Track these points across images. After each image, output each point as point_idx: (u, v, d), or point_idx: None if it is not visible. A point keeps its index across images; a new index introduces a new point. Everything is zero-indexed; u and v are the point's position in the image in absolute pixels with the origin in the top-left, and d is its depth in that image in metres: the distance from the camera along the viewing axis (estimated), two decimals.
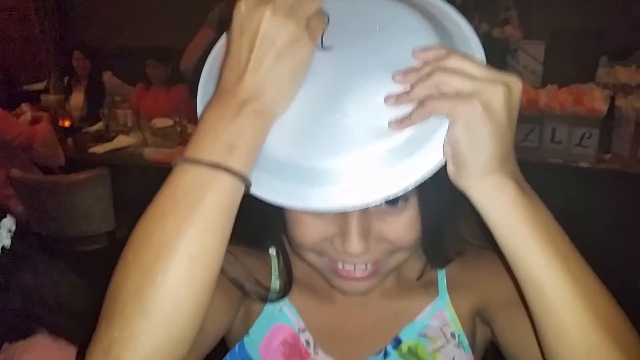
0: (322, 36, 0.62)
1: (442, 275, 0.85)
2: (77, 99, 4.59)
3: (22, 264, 1.08)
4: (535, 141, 3.01)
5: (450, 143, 0.56)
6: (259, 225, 0.80)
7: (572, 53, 3.27)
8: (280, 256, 0.83)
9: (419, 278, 0.85)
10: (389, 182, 0.58)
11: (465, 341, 0.82)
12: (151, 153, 3.42)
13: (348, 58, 0.62)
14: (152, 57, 4.06)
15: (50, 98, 4.66)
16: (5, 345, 1.09)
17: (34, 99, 4.62)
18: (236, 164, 0.55)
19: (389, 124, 0.58)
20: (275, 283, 0.85)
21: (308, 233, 0.70)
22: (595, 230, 2.61)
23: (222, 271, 0.75)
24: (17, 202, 3.09)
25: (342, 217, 0.67)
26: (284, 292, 0.83)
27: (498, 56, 3.42)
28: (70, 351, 1.09)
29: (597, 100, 2.90)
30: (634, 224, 2.69)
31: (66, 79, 4.75)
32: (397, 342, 0.82)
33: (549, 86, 3.11)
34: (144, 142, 3.60)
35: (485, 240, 0.84)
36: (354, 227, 0.66)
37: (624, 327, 0.59)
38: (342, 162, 0.59)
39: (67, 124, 3.96)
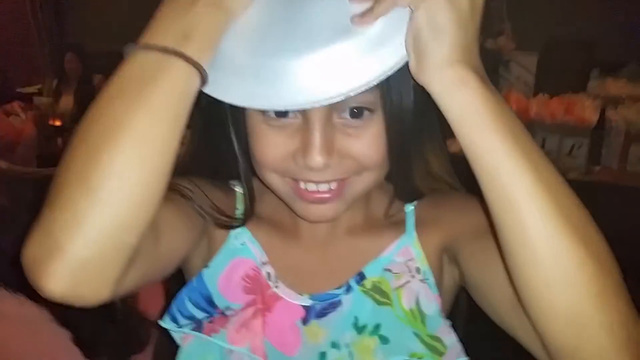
0: None
1: (410, 213, 0.83)
2: (67, 101, 4.58)
3: None
4: None
5: (412, 32, 0.56)
6: (224, 156, 0.78)
7: (564, 65, 3.29)
8: (244, 182, 0.81)
9: (386, 215, 0.84)
10: (353, 79, 0.58)
11: (432, 279, 0.79)
12: None
13: None
14: None
15: (42, 100, 4.67)
16: None
17: (27, 100, 4.62)
18: (190, 51, 0.55)
19: (351, 20, 0.58)
20: (239, 215, 0.83)
21: (270, 148, 0.69)
22: None
23: (185, 197, 0.75)
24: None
25: (304, 129, 0.66)
26: (247, 216, 0.82)
27: (491, 67, 3.44)
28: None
29: (587, 110, 2.92)
30: (621, 236, 2.68)
31: (55, 81, 4.76)
32: (361, 277, 0.79)
33: (540, 95, 3.13)
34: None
35: (454, 175, 0.83)
36: (316, 139, 0.64)
37: (587, 222, 0.57)
38: (304, 61, 0.58)
39: (57, 123, 3.97)
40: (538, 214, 0.54)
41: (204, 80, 0.57)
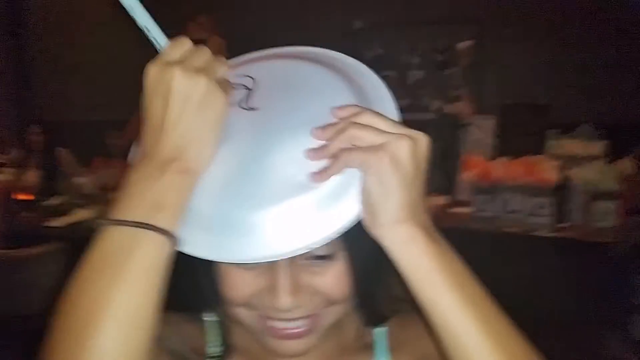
0: (250, 97, 0.67)
1: (380, 336, 0.84)
2: (32, 174, 4.51)
3: None
4: (491, 211, 3.09)
5: (364, 193, 0.60)
6: (190, 289, 0.77)
7: (521, 126, 3.41)
8: (218, 320, 0.81)
9: (358, 338, 0.84)
10: (313, 232, 0.61)
11: None
12: None
13: (272, 116, 0.67)
14: (113, 129, 4.05)
15: (5, 173, 4.58)
16: None
17: None
18: (162, 222, 0.57)
19: (310, 177, 0.61)
20: (212, 350, 0.82)
21: (237, 288, 0.69)
22: (553, 298, 2.65)
23: (157, 341, 0.73)
24: None
25: (270, 271, 0.67)
26: (224, 355, 0.81)
27: (450, 131, 3.56)
28: None
29: (547, 171, 3.01)
30: (591, 291, 2.73)
31: (18, 155, 4.69)
32: None
33: (501, 158, 3.22)
34: (104, 215, 3.52)
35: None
36: (282, 280, 0.66)
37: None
38: (267, 215, 0.61)
39: (23, 196, 3.89)
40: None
41: (175, 245, 0.59)
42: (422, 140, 0.60)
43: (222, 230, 0.62)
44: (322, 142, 0.62)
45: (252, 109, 0.67)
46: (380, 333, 0.85)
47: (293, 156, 0.63)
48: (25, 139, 4.63)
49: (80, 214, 3.63)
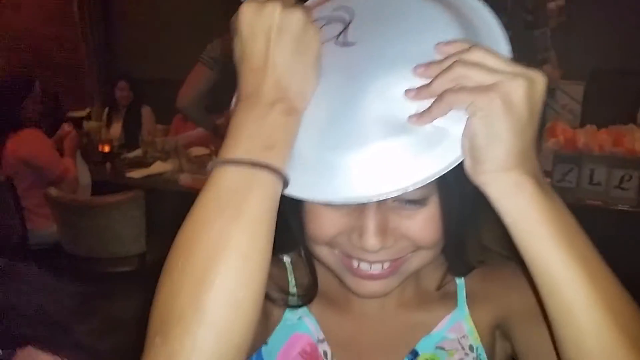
0: (347, 31, 0.64)
1: (461, 286, 0.83)
2: (116, 128, 4.71)
3: None
4: (573, 182, 2.95)
5: (468, 137, 0.56)
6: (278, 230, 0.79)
7: (611, 94, 3.24)
8: (305, 259, 0.81)
9: (438, 288, 0.83)
10: (406, 176, 0.58)
11: (484, 354, 0.79)
12: (186, 179, 3.46)
13: (370, 51, 0.63)
14: None
15: (92, 124, 4.81)
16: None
17: (76, 125, 4.76)
18: (275, 161, 0.56)
19: (408, 118, 0.58)
20: (294, 290, 0.83)
21: (324, 225, 0.68)
22: (634, 275, 2.53)
23: None
24: (52, 222, 3.17)
25: (359, 211, 0.66)
26: (311, 296, 0.81)
27: None
28: None
29: (637, 142, 2.85)
30: None
31: (106, 109, 4.89)
32: (414, 355, 0.79)
33: (588, 126, 3.07)
34: (180, 169, 3.65)
35: (510, 250, 0.81)
36: (370, 221, 0.64)
37: (637, 321, 0.57)
38: (361, 156, 0.59)
39: (106, 149, 4.08)
40: (595, 325, 0.55)
41: (286, 183, 0.58)
42: (540, 81, 0.54)
43: (317, 171, 0.60)
44: (424, 81, 0.58)
45: (348, 44, 0.63)
46: (461, 284, 0.83)
47: (391, 95, 0.59)
48: (111, 94, 4.83)
49: (159, 167, 3.76)
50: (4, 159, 3.18)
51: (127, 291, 2.86)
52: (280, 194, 0.57)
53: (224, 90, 2.75)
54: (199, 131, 3.81)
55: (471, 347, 0.79)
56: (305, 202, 0.69)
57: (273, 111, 0.57)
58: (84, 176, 3.58)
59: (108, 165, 3.96)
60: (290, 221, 0.73)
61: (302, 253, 0.79)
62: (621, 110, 3.19)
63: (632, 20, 3.76)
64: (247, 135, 0.57)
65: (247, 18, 0.58)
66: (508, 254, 0.81)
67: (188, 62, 2.89)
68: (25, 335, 1.00)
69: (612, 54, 3.65)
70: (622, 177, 2.84)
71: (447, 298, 0.82)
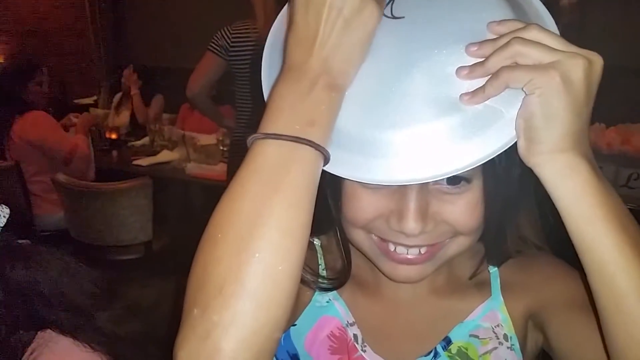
0: (392, 5, 0.61)
1: (495, 275, 0.82)
2: (125, 115, 4.71)
3: (11, 257, 1.04)
4: None
5: (524, 116, 0.55)
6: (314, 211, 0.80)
7: (620, 92, 3.22)
8: (340, 240, 0.79)
9: (471, 277, 0.82)
10: (455, 158, 0.57)
11: (517, 344, 0.78)
12: (193, 168, 3.47)
13: (417, 28, 0.61)
14: None
15: (98, 112, 4.82)
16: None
17: (82, 112, 4.76)
18: (316, 137, 0.55)
19: (460, 97, 0.57)
20: (323, 273, 0.83)
21: (363, 208, 0.68)
22: None
23: None
24: (59, 207, 3.17)
25: (399, 193, 0.65)
26: (343, 280, 0.80)
27: None
28: (75, 349, 1.04)
29: None
30: None
31: (118, 95, 4.89)
32: (447, 342, 0.79)
33: (596, 124, 3.06)
34: (187, 158, 3.66)
35: (544, 241, 0.81)
36: (412, 204, 0.64)
37: None
38: (407, 135, 0.57)
39: (113, 136, 4.09)
40: None
41: (327, 160, 0.57)
42: (598, 61, 0.54)
43: (360, 150, 0.59)
44: (476, 60, 0.57)
45: (397, 17, 0.61)
46: (496, 273, 0.82)
47: (440, 74, 0.58)
48: (119, 81, 4.82)
49: (166, 155, 3.77)
50: (11, 143, 3.19)
51: (135, 278, 2.89)
52: (320, 171, 0.57)
53: (230, 81, 2.74)
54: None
55: (505, 336, 0.78)
56: (344, 183, 0.68)
57: (316, 86, 0.55)
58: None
59: (115, 152, 3.97)
60: (327, 202, 0.72)
61: (338, 235, 0.77)
62: (630, 109, 3.18)
63: None
64: (289, 109, 0.56)
65: None
66: (544, 245, 0.81)
67: (197, 51, 2.88)
68: (46, 318, 1.01)
69: (621, 52, 3.64)
70: (630, 176, 2.83)
71: (481, 286, 0.82)
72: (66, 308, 1.02)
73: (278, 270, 0.52)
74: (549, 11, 0.66)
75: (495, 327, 0.79)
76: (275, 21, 0.71)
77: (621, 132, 2.95)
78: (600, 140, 2.93)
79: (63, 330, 0.99)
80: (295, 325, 0.81)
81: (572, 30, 3.46)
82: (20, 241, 1.01)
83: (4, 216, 0.99)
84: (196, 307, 0.52)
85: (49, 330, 0.96)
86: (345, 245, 0.78)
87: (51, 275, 1.03)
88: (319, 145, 0.55)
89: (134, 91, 4.46)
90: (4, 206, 1.00)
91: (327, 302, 0.82)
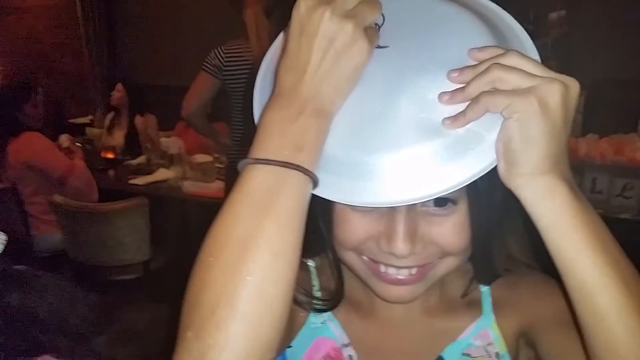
0: (379, 34, 0.63)
1: (486, 294, 0.83)
2: (119, 135, 4.71)
3: (8, 283, 1.04)
4: None
5: (504, 140, 0.56)
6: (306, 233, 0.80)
7: (613, 103, 3.25)
8: (332, 263, 0.81)
9: (463, 296, 0.83)
10: (439, 180, 0.58)
11: None
12: (190, 186, 3.47)
13: (402, 55, 0.63)
14: None
15: (94, 131, 4.83)
16: None
17: (78, 131, 4.77)
18: (305, 162, 0.56)
19: (442, 122, 0.58)
20: (317, 294, 0.84)
21: (353, 230, 0.69)
22: None
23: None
24: (57, 228, 3.17)
25: (388, 216, 0.66)
26: (337, 301, 0.81)
27: None
28: None
29: (639, 151, 2.86)
30: None
31: (109, 115, 4.89)
32: None
33: (590, 135, 3.08)
34: (183, 176, 3.66)
35: (533, 259, 0.82)
36: (400, 226, 0.65)
37: None
38: (393, 158, 0.59)
39: (110, 155, 4.09)
40: (629, 331, 0.56)
41: (315, 184, 0.58)
42: (574, 86, 0.56)
43: (347, 173, 0.60)
44: (458, 86, 0.58)
45: (381, 47, 0.63)
46: (486, 292, 0.83)
47: (424, 99, 0.59)
48: (111, 98, 4.82)
49: (163, 174, 3.77)
50: (7, 164, 3.19)
51: (133, 299, 2.88)
52: (310, 195, 0.58)
53: (224, 98, 2.75)
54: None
55: (497, 355, 0.79)
56: (335, 206, 0.69)
57: (304, 112, 0.57)
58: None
59: (111, 172, 3.97)
60: (319, 225, 0.73)
61: (330, 257, 0.79)
62: (623, 120, 3.21)
63: (634, 30, 3.78)
64: (278, 134, 0.57)
65: (300, 15, 0.58)
66: (533, 263, 0.82)
67: (192, 69, 2.90)
68: (44, 343, 1.01)
69: (613, 63, 3.67)
70: (624, 186, 2.85)
71: (472, 305, 0.83)
72: (63, 333, 1.03)
73: (270, 292, 0.53)
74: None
75: (487, 345, 0.80)
76: (270, 48, 0.72)
77: (614, 143, 2.98)
78: (593, 151, 2.96)
79: (60, 355, 1.00)
80: (291, 347, 0.82)
81: (563, 44, 3.50)
82: (16, 267, 1.02)
83: (2, 243, 1.00)
84: (190, 330, 0.53)
85: (46, 356, 0.97)
86: (338, 266, 0.80)
87: (48, 300, 1.03)
88: (307, 169, 0.56)
89: (124, 112, 4.48)
90: (1, 233, 1.01)
91: (322, 323, 0.83)
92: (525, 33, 0.66)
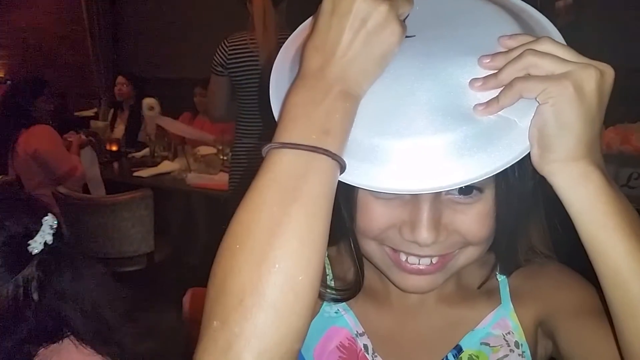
0: (405, 23, 0.62)
1: (504, 283, 0.82)
2: (120, 129, 4.72)
3: (63, 264, 1.07)
4: None
5: (538, 125, 0.56)
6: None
7: (619, 92, 3.20)
8: (353, 253, 0.78)
9: (480, 286, 0.82)
10: (467, 168, 0.57)
11: (528, 352, 0.78)
12: (194, 178, 3.47)
13: (429, 44, 0.62)
14: (200, 86, 4.13)
15: (98, 124, 4.84)
16: (42, 351, 1.06)
17: (83, 124, 4.78)
18: (332, 147, 0.55)
19: (474, 108, 0.57)
20: (331, 284, 0.83)
21: (376, 218, 0.68)
22: None
23: None
24: (61, 221, 3.16)
25: (412, 204, 0.65)
26: (355, 291, 0.80)
27: None
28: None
29: None
30: None
31: (111, 111, 4.90)
32: (458, 351, 0.78)
33: None
34: (187, 168, 3.67)
35: (552, 248, 0.81)
36: (425, 214, 0.64)
37: None
38: (418, 145, 0.58)
39: (114, 148, 4.10)
40: None
41: (343, 170, 0.57)
42: (609, 72, 0.55)
43: (371, 159, 0.59)
44: (488, 72, 0.58)
45: (408, 36, 0.61)
46: (504, 281, 0.82)
47: (454, 86, 0.59)
48: (118, 93, 4.83)
49: (166, 166, 3.78)
50: (15, 157, 3.20)
51: (136, 290, 2.88)
52: (337, 180, 0.57)
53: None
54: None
55: (517, 344, 0.78)
56: (358, 194, 0.68)
57: (330, 94, 0.55)
58: (93, 170, 3.60)
59: (115, 164, 3.99)
60: (342, 212, 0.71)
61: (352, 246, 0.77)
62: (629, 109, 3.17)
63: (639, 18, 3.74)
64: (303, 117, 0.55)
65: None
66: (552, 254, 0.81)
67: (196, 62, 2.90)
68: (73, 326, 1.03)
69: (619, 52, 3.64)
70: (630, 176, 2.83)
71: (490, 294, 0.82)
72: (94, 319, 1.05)
73: (298, 280, 0.52)
74: (545, 14, 0.67)
75: (506, 334, 0.79)
76: (287, 41, 0.72)
77: (620, 132, 2.95)
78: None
79: (84, 339, 1.02)
80: None
81: (568, 32, 3.47)
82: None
83: (50, 226, 1.02)
84: (216, 319, 0.52)
85: (70, 339, 0.99)
86: (359, 256, 0.78)
87: (89, 286, 1.07)
88: (335, 154, 0.55)
89: (126, 106, 4.48)
90: (51, 215, 1.03)
91: (336, 312, 0.82)
92: (553, 26, 0.65)
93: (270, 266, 0.51)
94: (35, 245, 0.98)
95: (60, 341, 1.04)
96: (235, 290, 0.52)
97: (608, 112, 0.57)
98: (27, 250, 0.97)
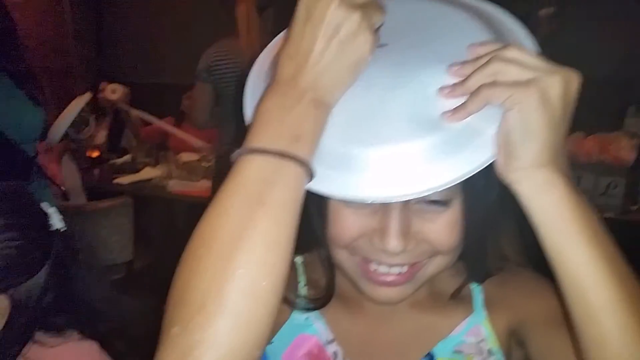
0: (378, 32, 0.62)
1: (477, 291, 0.82)
2: (102, 134, 4.67)
3: (77, 253, 1.09)
4: None
5: (503, 132, 0.56)
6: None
7: (598, 101, 3.25)
8: (325, 261, 0.79)
9: (455, 293, 0.82)
10: (436, 175, 0.57)
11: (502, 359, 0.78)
12: (175, 185, 3.44)
13: (400, 52, 0.63)
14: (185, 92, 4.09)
15: (81, 130, 4.76)
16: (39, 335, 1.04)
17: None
18: (301, 153, 0.55)
19: (442, 115, 0.57)
20: (303, 291, 0.82)
21: (347, 227, 0.68)
22: None
23: None
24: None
25: (382, 212, 0.65)
26: (326, 300, 0.80)
27: None
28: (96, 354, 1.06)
29: (623, 150, 2.87)
30: None
31: (93, 117, 4.84)
32: (430, 358, 0.78)
33: (575, 134, 3.08)
34: (169, 175, 3.63)
35: (525, 258, 0.82)
36: (394, 223, 0.64)
37: None
38: (388, 153, 0.58)
39: (95, 154, 4.06)
40: (620, 328, 0.55)
41: (311, 177, 0.57)
42: (575, 78, 0.56)
43: (341, 167, 0.59)
44: (457, 80, 0.58)
45: (380, 45, 0.62)
46: (477, 289, 0.82)
47: (423, 94, 0.59)
48: (97, 97, 4.78)
49: (148, 172, 3.74)
50: None
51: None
52: (305, 187, 0.57)
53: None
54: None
55: (490, 351, 0.78)
56: (329, 203, 0.68)
57: (302, 101, 0.56)
58: (73, 178, 3.55)
59: (96, 170, 3.94)
60: (312, 221, 0.72)
61: (323, 255, 0.77)
62: (608, 118, 3.21)
63: (620, 29, 3.79)
64: (274, 123, 0.56)
65: (307, 2, 0.57)
66: (525, 263, 0.82)
67: (181, 66, 2.88)
68: (80, 325, 1.03)
69: (599, 62, 3.68)
70: (609, 185, 2.85)
71: (463, 302, 0.82)
72: (103, 317, 1.06)
73: (261, 286, 0.52)
74: (527, 23, 0.68)
75: (479, 342, 0.79)
76: (266, 47, 0.72)
77: (599, 141, 2.98)
78: (579, 149, 2.96)
79: (87, 336, 1.02)
80: (272, 343, 0.80)
81: (550, 41, 3.50)
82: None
83: (56, 214, 1.03)
84: (176, 325, 0.52)
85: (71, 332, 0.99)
86: (330, 264, 0.78)
87: (105, 288, 1.09)
88: (304, 161, 0.55)
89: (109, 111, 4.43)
90: (56, 209, 1.03)
91: (305, 319, 0.81)
92: (525, 30, 0.66)
93: (233, 270, 0.51)
94: (55, 222, 1.00)
95: (60, 333, 1.03)
96: (196, 296, 0.52)
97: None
98: (51, 228, 0.99)
